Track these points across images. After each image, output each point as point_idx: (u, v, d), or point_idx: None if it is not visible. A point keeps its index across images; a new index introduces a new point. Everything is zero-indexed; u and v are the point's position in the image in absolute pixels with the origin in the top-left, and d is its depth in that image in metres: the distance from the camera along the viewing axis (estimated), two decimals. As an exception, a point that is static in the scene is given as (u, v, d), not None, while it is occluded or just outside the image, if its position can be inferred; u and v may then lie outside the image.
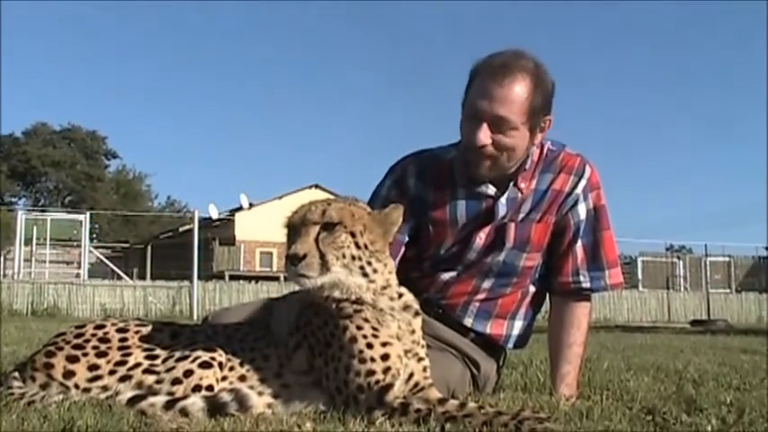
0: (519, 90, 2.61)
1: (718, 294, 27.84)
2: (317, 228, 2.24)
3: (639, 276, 29.87)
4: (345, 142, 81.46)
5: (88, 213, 30.09)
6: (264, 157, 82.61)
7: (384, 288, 2.35)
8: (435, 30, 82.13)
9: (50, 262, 28.92)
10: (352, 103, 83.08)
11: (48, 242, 28.33)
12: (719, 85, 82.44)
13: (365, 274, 2.29)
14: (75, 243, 29.31)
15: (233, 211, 36.59)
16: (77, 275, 26.74)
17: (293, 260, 2.19)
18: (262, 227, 33.03)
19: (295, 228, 2.28)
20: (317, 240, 2.22)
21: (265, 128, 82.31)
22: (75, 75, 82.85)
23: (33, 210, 35.93)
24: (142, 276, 29.49)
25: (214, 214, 34.24)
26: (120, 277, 27.85)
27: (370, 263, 2.30)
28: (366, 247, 2.29)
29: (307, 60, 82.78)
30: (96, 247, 34.67)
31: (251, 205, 35.69)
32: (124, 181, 61.17)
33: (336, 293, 2.28)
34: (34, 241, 27.66)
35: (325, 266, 2.21)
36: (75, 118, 71.58)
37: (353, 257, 2.26)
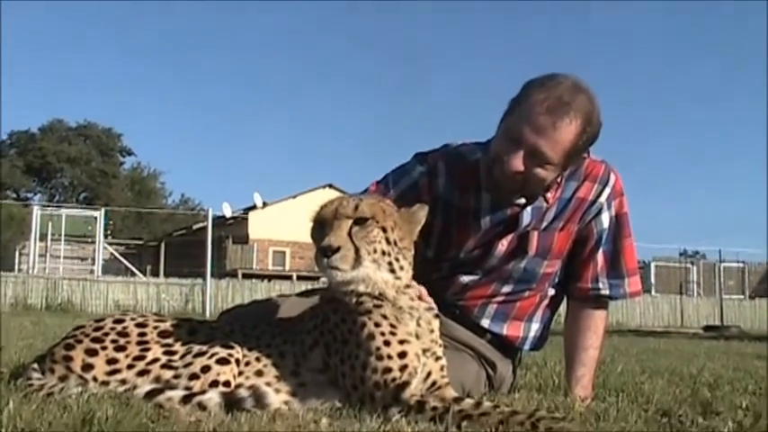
0: (568, 132, 2.52)
1: (731, 300, 27.66)
2: (349, 222, 2.25)
3: (652, 281, 29.72)
4: (359, 142, 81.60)
5: (103, 210, 30.34)
6: (279, 156, 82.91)
7: (407, 287, 2.36)
8: (447, 29, 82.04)
9: (65, 258, 29.13)
10: (367, 104, 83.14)
11: (62, 238, 28.56)
12: (735, 88, 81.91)
13: (392, 270, 2.31)
14: (89, 239, 29.44)
15: (247, 210, 36.62)
16: (91, 271, 26.96)
17: (326, 252, 2.19)
18: (275, 226, 33.14)
19: (325, 221, 2.28)
20: (349, 234, 2.23)
21: (280, 127, 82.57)
22: (91, 72, 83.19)
23: (48, 205, 36.00)
24: (155, 273, 29.67)
25: (228, 213, 34.28)
26: (133, 274, 27.99)
27: (398, 259, 2.31)
28: (395, 243, 2.30)
29: (321, 59, 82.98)
30: (110, 244, 34.86)
31: (265, 204, 35.73)
32: (139, 178, 61.30)
33: (362, 288, 2.28)
34: (49, 237, 27.86)
35: (357, 260, 2.22)
36: (91, 115, 72.28)
37: (383, 253, 2.27)
